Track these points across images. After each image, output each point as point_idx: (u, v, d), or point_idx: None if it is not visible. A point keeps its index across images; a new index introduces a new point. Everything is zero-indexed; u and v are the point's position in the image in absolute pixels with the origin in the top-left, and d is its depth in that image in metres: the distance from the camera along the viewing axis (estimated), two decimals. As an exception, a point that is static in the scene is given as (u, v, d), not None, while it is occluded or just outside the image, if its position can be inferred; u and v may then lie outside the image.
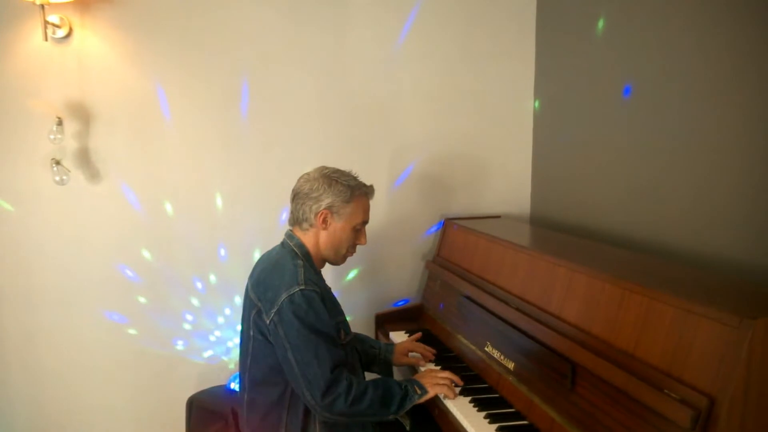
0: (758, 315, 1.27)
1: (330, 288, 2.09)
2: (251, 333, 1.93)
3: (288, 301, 1.82)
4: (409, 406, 1.93)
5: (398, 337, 2.61)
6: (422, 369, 2.22)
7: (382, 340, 2.71)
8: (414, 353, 2.33)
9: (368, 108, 2.82)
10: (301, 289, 1.84)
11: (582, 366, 1.67)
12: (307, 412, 1.90)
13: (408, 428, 2.14)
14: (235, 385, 2.61)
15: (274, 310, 1.83)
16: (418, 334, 2.46)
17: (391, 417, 1.92)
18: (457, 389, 2.02)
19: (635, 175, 2.30)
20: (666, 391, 1.39)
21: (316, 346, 1.80)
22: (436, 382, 1.99)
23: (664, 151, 2.14)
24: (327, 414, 1.81)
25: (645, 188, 2.24)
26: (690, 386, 1.35)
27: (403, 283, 2.98)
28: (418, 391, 1.95)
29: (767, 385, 1.28)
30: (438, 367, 2.22)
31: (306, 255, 1.99)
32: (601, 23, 2.45)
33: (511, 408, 1.91)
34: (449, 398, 1.97)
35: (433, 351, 2.32)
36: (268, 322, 1.85)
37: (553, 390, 1.77)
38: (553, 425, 1.72)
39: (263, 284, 1.92)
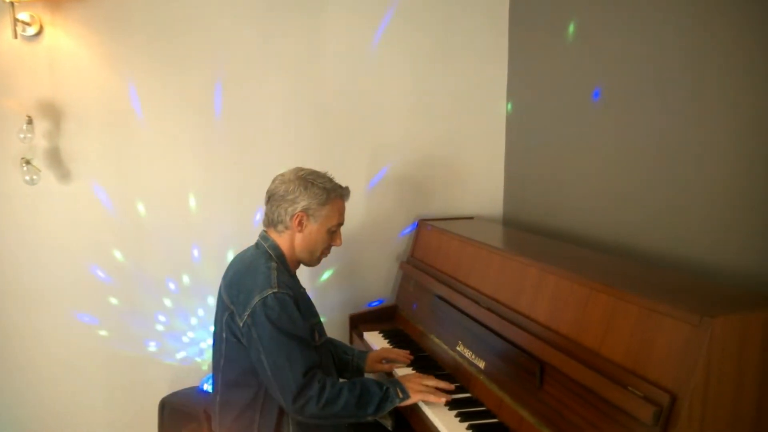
0: (718, 314, 1.30)
1: (305, 289, 2.09)
2: (224, 335, 1.93)
3: (261, 304, 1.81)
4: (388, 408, 1.89)
5: (372, 337, 2.62)
6: (400, 374, 2.18)
7: (357, 341, 2.72)
8: (389, 359, 2.30)
9: (343, 110, 2.83)
10: (274, 292, 1.83)
11: (550, 365, 1.70)
12: (280, 413, 1.89)
13: (390, 429, 2.10)
14: (208, 387, 2.60)
15: (247, 312, 1.83)
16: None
17: (369, 419, 1.89)
18: (443, 400, 1.96)
19: (605, 177, 2.34)
20: (630, 388, 1.42)
21: (289, 350, 1.79)
22: (419, 389, 1.93)
23: (632, 153, 2.18)
24: (300, 417, 1.81)
25: (615, 190, 2.28)
26: (653, 383, 1.38)
27: (378, 283, 3.00)
28: (400, 395, 1.90)
29: (726, 382, 1.32)
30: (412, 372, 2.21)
31: (280, 257, 1.99)
32: (572, 27, 2.49)
33: (482, 407, 1.93)
34: (434, 403, 1.93)
35: (408, 354, 2.31)
36: (241, 324, 1.85)
37: (523, 388, 1.80)
38: (522, 423, 1.75)
39: (236, 286, 1.92)
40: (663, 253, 2.04)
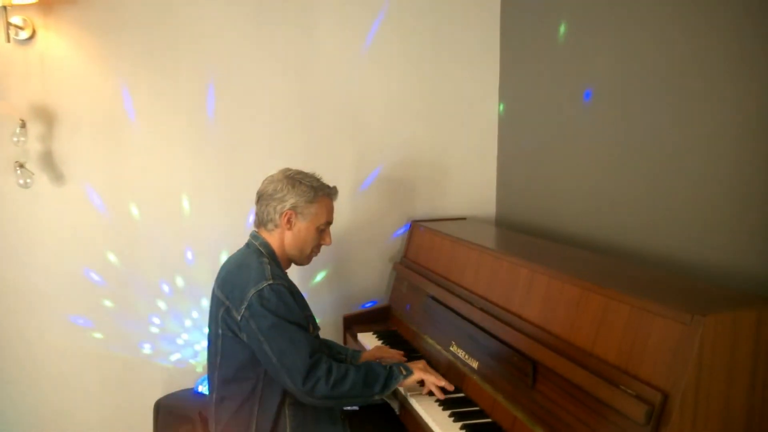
0: (709, 312, 1.31)
1: (297, 288, 2.10)
2: (219, 331, 1.94)
3: (257, 296, 1.84)
4: (394, 385, 1.95)
5: (366, 338, 2.63)
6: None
7: (351, 341, 2.73)
8: (383, 359, 2.31)
9: (335, 111, 2.84)
10: (269, 284, 1.86)
11: (543, 364, 1.71)
12: (279, 404, 1.91)
13: (397, 411, 2.13)
14: (202, 389, 2.60)
15: (244, 305, 1.85)
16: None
17: (377, 398, 1.94)
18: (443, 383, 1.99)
19: (597, 177, 2.35)
20: (622, 387, 1.43)
21: (291, 335, 1.83)
22: (422, 367, 2.00)
23: (623, 154, 2.20)
24: (310, 399, 1.84)
25: (607, 190, 2.30)
26: (645, 382, 1.39)
27: (371, 284, 3.00)
28: (404, 372, 1.96)
29: (717, 380, 1.33)
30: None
31: (271, 254, 2.01)
32: (563, 28, 2.51)
33: (476, 406, 1.94)
34: (434, 391, 1.97)
35: (402, 355, 2.32)
36: (238, 318, 1.86)
37: (516, 388, 1.81)
38: (515, 422, 1.76)
39: (230, 283, 1.94)
40: (655, 252, 2.06)
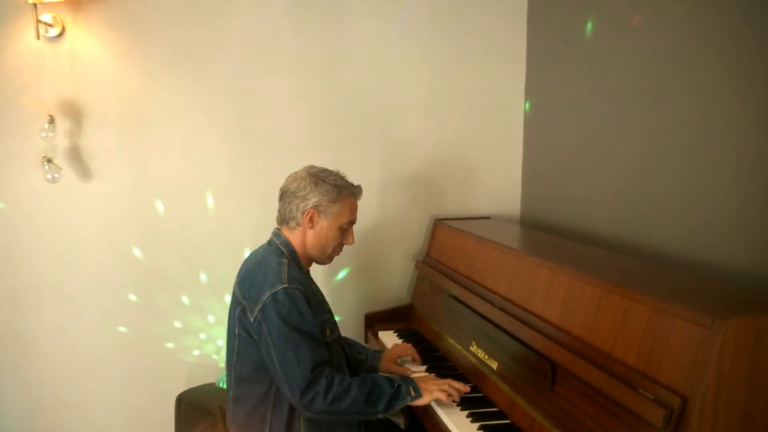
0: (730, 316, 1.28)
1: (317, 286, 2.10)
2: (236, 330, 1.95)
3: (271, 299, 1.83)
4: (399, 406, 1.89)
5: (387, 337, 2.63)
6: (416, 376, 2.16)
7: (372, 340, 2.73)
8: (404, 358, 2.31)
9: (360, 108, 2.83)
10: (284, 288, 1.84)
11: (562, 366, 1.68)
12: (291, 409, 1.90)
13: (403, 427, 2.08)
14: (223, 384, 2.62)
15: (258, 308, 1.84)
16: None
17: (380, 416, 1.89)
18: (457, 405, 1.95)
19: (622, 177, 2.31)
20: (641, 390, 1.40)
21: (297, 345, 1.81)
22: (432, 389, 1.93)
23: (649, 153, 2.16)
24: (308, 412, 1.82)
25: (633, 190, 2.26)
26: (664, 386, 1.37)
27: (393, 283, 2.99)
28: (412, 393, 1.90)
29: (738, 385, 1.30)
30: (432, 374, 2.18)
31: (292, 253, 2.00)
32: (589, 26, 2.47)
33: (494, 407, 1.93)
34: (445, 402, 1.92)
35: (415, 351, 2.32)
36: (252, 320, 1.86)
37: (535, 389, 1.79)
38: (534, 424, 1.74)
39: (248, 282, 1.94)
40: (680, 253, 2.02)
